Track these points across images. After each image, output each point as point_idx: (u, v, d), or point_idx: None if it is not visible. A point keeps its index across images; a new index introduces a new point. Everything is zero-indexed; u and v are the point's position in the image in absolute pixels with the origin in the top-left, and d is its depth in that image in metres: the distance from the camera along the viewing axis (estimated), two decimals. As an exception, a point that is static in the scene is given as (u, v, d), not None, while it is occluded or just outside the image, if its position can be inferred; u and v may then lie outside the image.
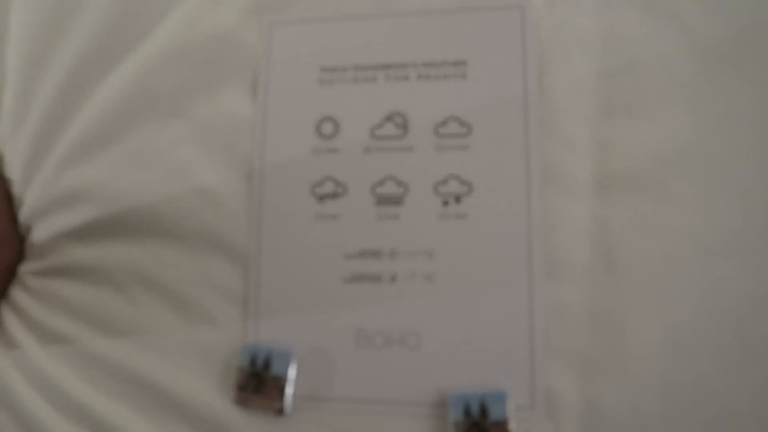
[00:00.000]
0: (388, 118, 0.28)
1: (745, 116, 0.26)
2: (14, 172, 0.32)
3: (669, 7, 0.28)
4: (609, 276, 0.26)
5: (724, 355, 0.25)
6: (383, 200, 0.27)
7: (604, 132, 0.27)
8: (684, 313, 0.25)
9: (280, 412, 0.26)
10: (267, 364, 0.26)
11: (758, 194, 0.26)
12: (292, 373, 0.26)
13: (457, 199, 0.27)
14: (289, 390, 0.26)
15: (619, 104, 0.27)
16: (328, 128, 0.28)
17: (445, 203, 0.27)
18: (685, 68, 0.27)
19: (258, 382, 0.26)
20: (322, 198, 0.28)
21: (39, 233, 0.32)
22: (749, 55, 0.27)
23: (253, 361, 0.26)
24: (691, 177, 0.26)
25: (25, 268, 0.33)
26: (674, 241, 0.25)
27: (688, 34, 0.27)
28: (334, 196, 0.28)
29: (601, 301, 0.25)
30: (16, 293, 0.33)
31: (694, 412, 0.24)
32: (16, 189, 0.33)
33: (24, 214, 0.32)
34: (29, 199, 0.32)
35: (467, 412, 0.25)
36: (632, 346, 0.25)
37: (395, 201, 0.27)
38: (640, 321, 0.25)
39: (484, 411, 0.25)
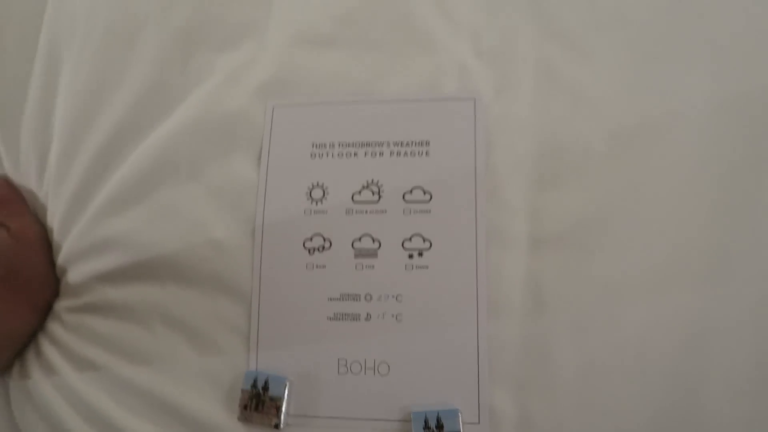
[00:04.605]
0: (366, 187, 0.34)
1: (647, 189, 0.32)
2: (55, 222, 0.38)
3: (591, 99, 0.34)
4: (539, 316, 0.31)
5: (628, 379, 0.30)
6: (361, 253, 0.33)
7: (537, 200, 0.33)
8: (596, 346, 0.31)
9: (276, 426, 0.31)
10: (266, 387, 0.32)
11: (656, 252, 0.31)
12: (286, 394, 0.31)
13: (420, 253, 0.33)
14: (283, 409, 0.31)
15: (549, 178, 0.33)
16: (317, 193, 0.34)
17: (411, 256, 0.33)
18: (600, 150, 0.33)
19: (258, 402, 0.31)
20: (311, 251, 0.33)
21: (74, 275, 0.37)
22: (654, 141, 0.33)
23: (254, 385, 0.32)
24: (603, 236, 0.32)
25: (61, 305, 0.38)
26: (590, 287, 0.31)
27: (604, 122, 0.33)
28: (321, 249, 0.33)
29: (532, 336, 0.31)
30: (54, 327, 0.37)
31: (605, 424, 0.30)
32: (56, 236, 0.38)
33: (61, 258, 0.37)
34: (67, 245, 0.37)
35: (426, 426, 0.30)
36: (557, 372, 0.30)
37: (371, 254, 0.33)
38: (563, 352, 0.31)
39: (440, 425, 0.30)
